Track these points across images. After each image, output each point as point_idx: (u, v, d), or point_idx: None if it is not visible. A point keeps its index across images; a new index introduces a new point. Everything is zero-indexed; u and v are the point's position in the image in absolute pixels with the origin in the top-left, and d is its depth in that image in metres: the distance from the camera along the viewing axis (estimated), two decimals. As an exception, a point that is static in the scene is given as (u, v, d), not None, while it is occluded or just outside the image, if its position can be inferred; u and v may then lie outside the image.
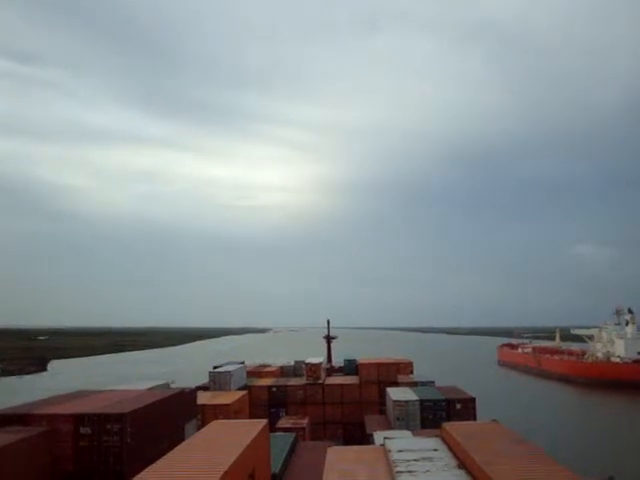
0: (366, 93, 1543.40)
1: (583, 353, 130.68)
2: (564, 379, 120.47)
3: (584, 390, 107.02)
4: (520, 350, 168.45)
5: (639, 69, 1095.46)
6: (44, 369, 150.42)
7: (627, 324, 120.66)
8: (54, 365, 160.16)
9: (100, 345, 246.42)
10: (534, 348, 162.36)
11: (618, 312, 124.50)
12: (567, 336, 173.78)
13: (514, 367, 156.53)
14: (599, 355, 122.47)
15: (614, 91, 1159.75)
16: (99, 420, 15.88)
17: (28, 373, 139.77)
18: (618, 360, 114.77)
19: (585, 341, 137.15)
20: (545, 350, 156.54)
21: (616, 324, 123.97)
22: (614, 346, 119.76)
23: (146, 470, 11.42)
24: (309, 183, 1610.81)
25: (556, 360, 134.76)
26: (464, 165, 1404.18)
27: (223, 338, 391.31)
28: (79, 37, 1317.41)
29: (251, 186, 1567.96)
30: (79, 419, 15.91)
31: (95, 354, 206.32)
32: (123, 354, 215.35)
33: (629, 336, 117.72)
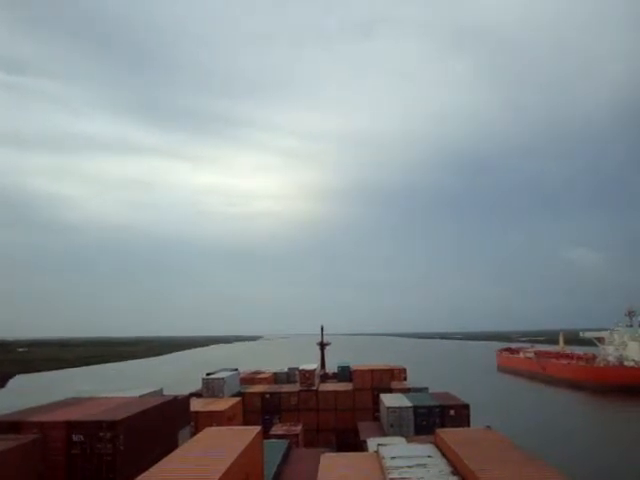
0: (359, 98, 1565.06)
1: (593, 357, 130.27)
2: (572, 385, 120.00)
3: (598, 397, 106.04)
4: (522, 355, 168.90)
5: (632, 74, 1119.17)
6: (2, 386, 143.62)
7: None
8: (19, 381, 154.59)
9: (81, 357, 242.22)
10: (536, 352, 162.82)
11: (630, 313, 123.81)
12: (571, 339, 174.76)
13: (515, 373, 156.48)
14: (611, 359, 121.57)
15: (607, 94, 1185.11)
16: (91, 427, 16.31)
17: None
18: (632, 364, 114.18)
19: (594, 344, 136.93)
20: (549, 354, 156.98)
21: (628, 326, 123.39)
22: (627, 349, 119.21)
23: (139, 478, 11.98)
24: (301, 190, 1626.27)
25: (563, 365, 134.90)
26: (458, 168, 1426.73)
27: (211, 347, 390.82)
28: (69, 46, 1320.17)
29: (243, 194, 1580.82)
30: (71, 426, 16.34)
31: (73, 366, 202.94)
32: (104, 365, 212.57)
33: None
